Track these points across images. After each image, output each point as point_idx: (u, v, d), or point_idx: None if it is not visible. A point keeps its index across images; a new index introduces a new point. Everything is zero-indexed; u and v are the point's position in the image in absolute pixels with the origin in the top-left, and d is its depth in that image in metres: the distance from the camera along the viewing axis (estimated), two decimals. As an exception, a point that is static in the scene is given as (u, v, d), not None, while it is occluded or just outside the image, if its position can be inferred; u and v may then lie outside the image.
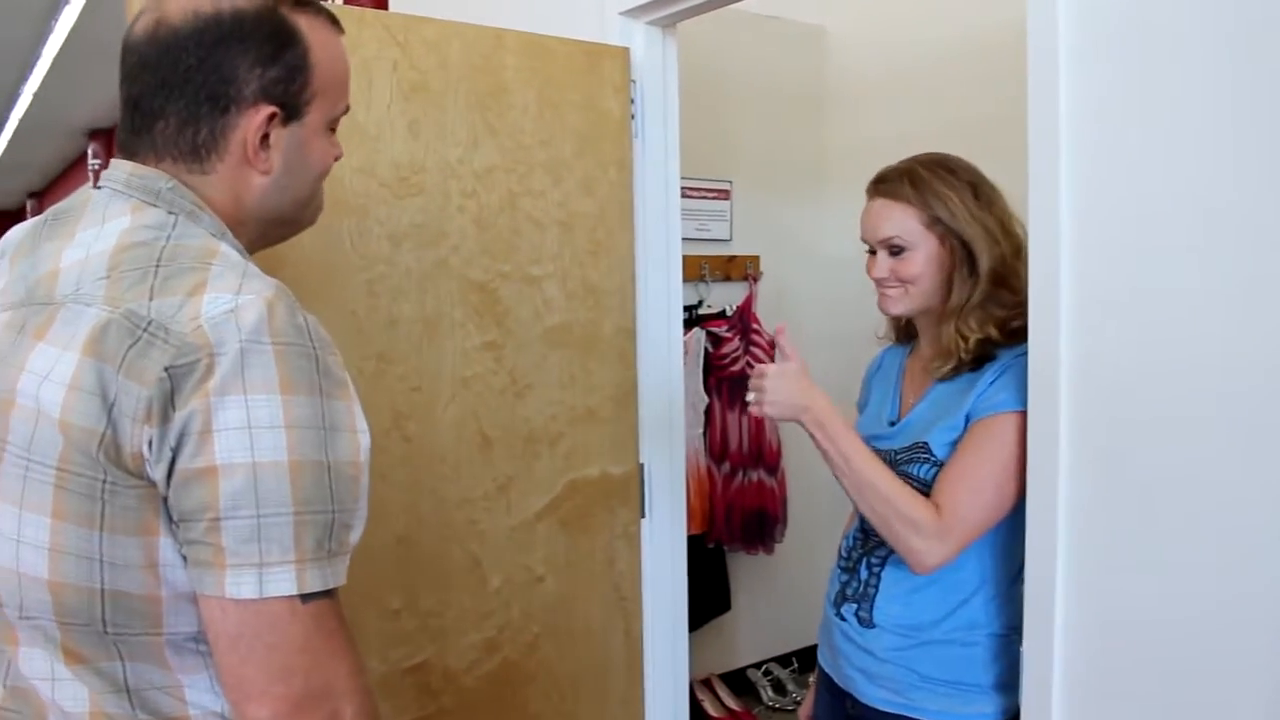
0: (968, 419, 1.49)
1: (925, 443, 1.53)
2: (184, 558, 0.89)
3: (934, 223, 1.54)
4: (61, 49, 7.10)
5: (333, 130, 1.11)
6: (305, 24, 1.03)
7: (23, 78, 8.28)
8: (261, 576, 0.86)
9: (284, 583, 0.86)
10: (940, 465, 1.51)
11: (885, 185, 1.59)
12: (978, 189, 1.56)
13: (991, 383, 1.49)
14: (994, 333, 1.51)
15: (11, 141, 10.98)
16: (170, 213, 0.98)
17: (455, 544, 1.95)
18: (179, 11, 0.99)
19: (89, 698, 0.93)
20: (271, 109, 1.01)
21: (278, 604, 0.87)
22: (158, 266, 0.91)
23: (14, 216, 14.84)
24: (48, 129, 10.39)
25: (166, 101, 1.00)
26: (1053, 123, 1.34)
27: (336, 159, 1.13)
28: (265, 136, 1.02)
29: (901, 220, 1.55)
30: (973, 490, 1.45)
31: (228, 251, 0.96)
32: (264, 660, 0.87)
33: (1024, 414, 1.42)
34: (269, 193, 1.05)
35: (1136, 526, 1.29)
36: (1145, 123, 1.26)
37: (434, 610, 1.93)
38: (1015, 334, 1.48)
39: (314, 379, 0.89)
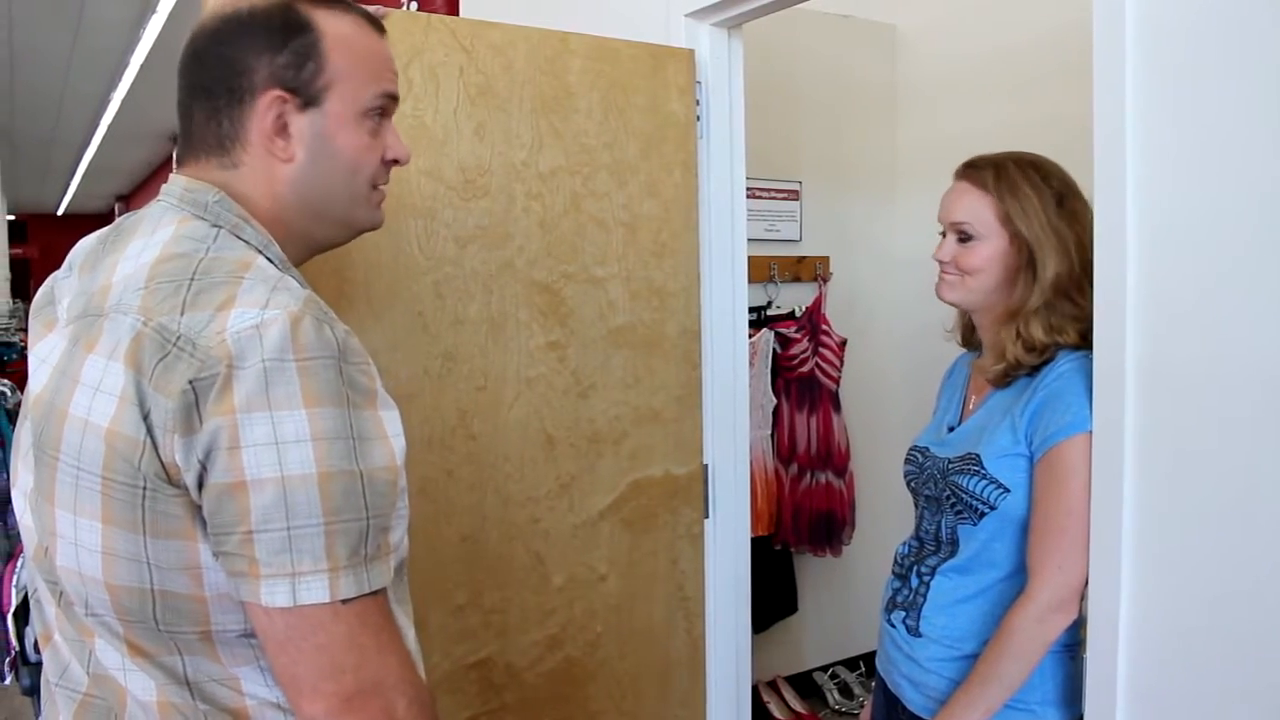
0: (1029, 440, 1.45)
1: (976, 454, 1.51)
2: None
3: (1007, 220, 1.51)
4: (148, 58, 7.33)
5: (377, 125, 1.10)
6: (320, 16, 1.05)
7: (112, 85, 8.56)
8: (295, 586, 0.88)
9: (318, 591, 0.89)
10: (989, 480, 1.48)
11: (972, 170, 1.57)
12: (1064, 198, 1.52)
13: (1049, 397, 1.44)
14: (1072, 337, 1.47)
15: (101, 146, 11.35)
16: (215, 225, 1.01)
17: (519, 542, 1.97)
18: (207, 18, 1.05)
19: (155, 688, 0.97)
20: (278, 92, 1.03)
21: (317, 609, 0.89)
22: (192, 280, 0.94)
23: (103, 219, 15.31)
24: (134, 135, 10.71)
25: (195, 101, 1.05)
26: (1119, 124, 1.31)
27: (394, 161, 1.14)
28: (285, 125, 1.04)
29: (977, 208, 1.53)
30: (1068, 540, 1.40)
31: (263, 265, 0.98)
32: (313, 659, 0.90)
33: (1090, 434, 1.38)
34: (297, 183, 1.06)
35: (1202, 534, 1.26)
36: (1212, 123, 1.23)
37: (497, 607, 1.95)
38: (1087, 338, 1.44)
39: (340, 391, 0.90)
